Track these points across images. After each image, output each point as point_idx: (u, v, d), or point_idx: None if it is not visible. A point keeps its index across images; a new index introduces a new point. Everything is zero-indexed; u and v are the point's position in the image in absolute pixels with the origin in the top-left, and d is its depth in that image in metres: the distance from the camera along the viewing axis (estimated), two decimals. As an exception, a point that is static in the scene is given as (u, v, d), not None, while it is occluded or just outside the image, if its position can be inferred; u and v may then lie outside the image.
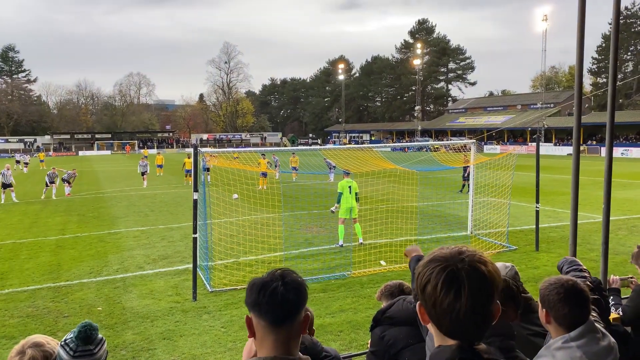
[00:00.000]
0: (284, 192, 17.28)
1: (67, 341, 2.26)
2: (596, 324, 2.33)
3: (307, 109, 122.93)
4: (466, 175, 20.09)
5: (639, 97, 76.57)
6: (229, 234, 13.07)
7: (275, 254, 11.73)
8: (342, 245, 12.50)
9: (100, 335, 2.32)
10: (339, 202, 12.69)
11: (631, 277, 4.19)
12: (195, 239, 9.30)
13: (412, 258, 3.03)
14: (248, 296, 1.79)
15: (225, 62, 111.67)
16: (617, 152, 54.30)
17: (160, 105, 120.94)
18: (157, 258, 12.02)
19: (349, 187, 12.66)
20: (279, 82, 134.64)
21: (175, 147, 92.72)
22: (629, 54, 78.32)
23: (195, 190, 9.37)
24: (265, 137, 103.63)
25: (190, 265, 9.69)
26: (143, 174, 29.49)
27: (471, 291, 1.30)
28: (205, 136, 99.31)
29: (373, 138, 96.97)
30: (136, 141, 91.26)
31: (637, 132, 61.05)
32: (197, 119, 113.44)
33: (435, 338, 1.43)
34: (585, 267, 3.37)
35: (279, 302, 1.74)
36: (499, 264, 3.13)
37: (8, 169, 23.13)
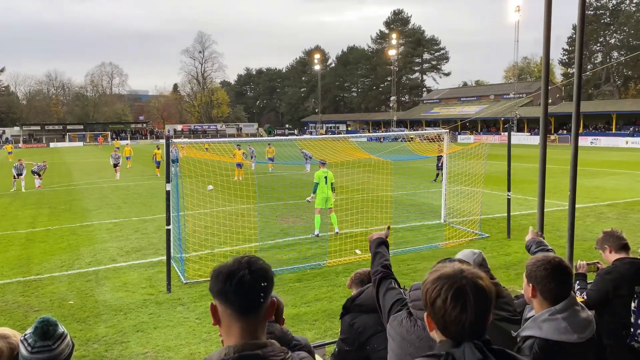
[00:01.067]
0: (259, 183, 17.19)
1: (26, 337, 2.22)
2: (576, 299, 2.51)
3: (284, 99, 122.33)
4: (440, 164, 20.33)
5: (607, 88, 78.41)
6: (203, 225, 12.96)
7: (250, 244, 11.68)
8: (318, 235, 12.51)
9: (60, 330, 2.27)
10: (315, 192, 12.74)
11: (597, 262, 4.31)
12: (168, 231, 9.20)
13: (373, 240, 3.08)
14: (213, 284, 1.76)
15: (200, 52, 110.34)
16: (587, 141, 55.60)
17: (133, 95, 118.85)
18: (130, 250, 11.85)
19: (325, 177, 12.68)
20: (254, 72, 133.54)
21: (149, 138, 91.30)
22: (598, 44, 79.96)
23: (168, 181, 9.25)
24: (241, 128, 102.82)
25: (164, 257, 9.58)
26: (115, 165, 28.99)
27: (475, 304, 1.60)
28: (179, 127, 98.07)
29: (349, 128, 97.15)
30: (109, 132, 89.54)
31: (606, 121, 62.57)
32: (171, 109, 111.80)
33: (437, 340, 1.72)
34: (551, 247, 3.45)
35: (245, 291, 1.72)
36: (466, 251, 3.18)
37: (21, 163, 22.74)
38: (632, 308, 3.67)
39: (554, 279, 2.37)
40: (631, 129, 58.67)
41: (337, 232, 12.61)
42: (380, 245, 3.02)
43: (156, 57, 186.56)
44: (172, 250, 9.46)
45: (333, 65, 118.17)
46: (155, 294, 8.78)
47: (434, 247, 11.51)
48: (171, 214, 9.30)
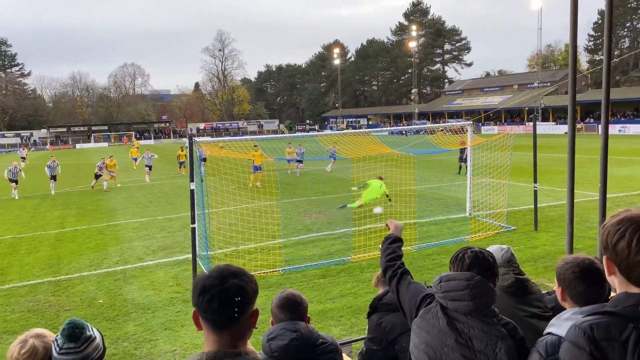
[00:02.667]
0: (281, 180, 17.26)
1: (57, 337, 2.27)
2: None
3: (304, 95, 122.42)
4: (464, 157, 20.07)
5: (635, 74, 76.21)
6: (227, 223, 13.07)
7: (274, 241, 11.74)
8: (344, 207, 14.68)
9: (88, 334, 2.30)
10: (363, 186, 15.10)
11: None
12: (193, 229, 9.29)
13: (389, 236, 3.01)
14: (192, 295, 1.79)
15: (220, 50, 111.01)
16: (615, 129, 54.22)
17: (155, 95, 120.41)
18: (156, 249, 12.02)
19: (380, 185, 14.80)
20: (274, 69, 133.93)
21: (172, 137, 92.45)
22: (626, 30, 77.82)
23: (192, 180, 9.34)
24: (262, 125, 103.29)
25: (190, 255, 9.69)
26: (148, 167, 27.35)
27: None
28: (202, 125, 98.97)
29: (370, 122, 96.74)
30: (133, 132, 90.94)
31: (635, 108, 60.92)
32: (193, 108, 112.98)
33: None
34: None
35: (216, 309, 1.73)
36: (494, 247, 3.13)
37: (16, 167, 23.07)
38: None
39: (583, 281, 2.29)
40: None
41: (360, 205, 14.43)
42: (397, 241, 2.96)
43: (177, 57, 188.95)
44: (197, 248, 9.56)
45: (352, 59, 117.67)
46: (182, 292, 8.88)
47: (461, 240, 11.38)
48: (196, 212, 9.40)
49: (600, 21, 78.72)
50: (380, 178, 15.16)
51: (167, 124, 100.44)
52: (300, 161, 25.68)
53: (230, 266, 1.82)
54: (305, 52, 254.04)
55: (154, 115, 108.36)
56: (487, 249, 3.17)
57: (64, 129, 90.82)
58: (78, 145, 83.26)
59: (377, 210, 14.10)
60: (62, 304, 8.56)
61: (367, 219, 13.02)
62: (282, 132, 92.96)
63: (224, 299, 1.71)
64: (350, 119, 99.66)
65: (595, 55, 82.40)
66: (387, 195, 14.89)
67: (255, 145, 25.40)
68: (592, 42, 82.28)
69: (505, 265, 3.01)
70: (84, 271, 10.46)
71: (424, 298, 2.56)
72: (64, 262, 11.26)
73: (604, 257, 1.65)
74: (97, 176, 24.26)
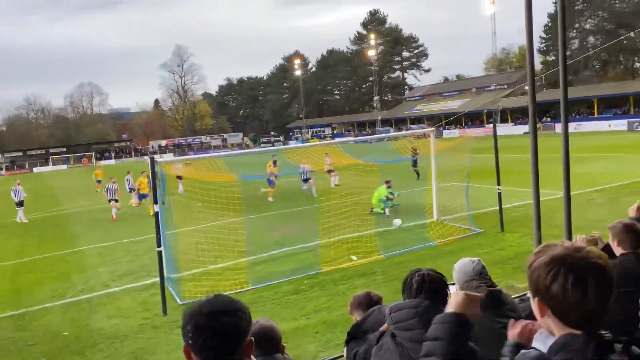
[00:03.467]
0: (246, 194, 17.12)
1: None
2: None
3: (267, 106, 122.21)
4: (414, 164, 20.84)
5: (586, 73, 79.32)
6: (194, 242, 12.80)
7: (245, 258, 11.56)
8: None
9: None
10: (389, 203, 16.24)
11: (596, 236, 4.21)
12: (160, 252, 9.06)
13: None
14: (183, 331, 1.73)
15: (179, 65, 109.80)
16: (571, 127, 55.65)
17: (114, 114, 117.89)
18: (122, 274, 11.67)
19: (377, 193, 16.11)
20: (235, 82, 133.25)
21: (133, 155, 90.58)
22: (574, 31, 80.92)
23: (156, 202, 9.12)
24: (226, 139, 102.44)
25: (158, 279, 9.44)
26: (131, 190, 22.77)
27: (598, 288, 1.43)
28: (164, 142, 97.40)
29: (335, 131, 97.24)
30: (93, 153, 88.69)
31: (587, 106, 63.34)
32: (154, 125, 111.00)
33: (556, 329, 1.52)
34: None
35: (210, 347, 1.68)
36: (464, 260, 3.14)
37: (19, 184, 21.81)
38: None
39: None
40: (613, 112, 59.52)
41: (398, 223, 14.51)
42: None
43: (135, 74, 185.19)
44: (165, 271, 9.32)
45: (314, 69, 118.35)
46: (151, 318, 8.63)
47: (431, 245, 11.49)
48: (162, 234, 9.17)
49: (550, 24, 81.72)
50: (388, 182, 16.38)
51: (128, 143, 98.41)
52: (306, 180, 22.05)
53: (220, 299, 1.77)
54: (266, 63, 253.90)
55: (114, 135, 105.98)
56: (457, 264, 3.18)
57: (20, 153, 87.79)
58: (35, 169, 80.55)
59: (397, 222, 14.17)
60: (25, 339, 8.18)
61: (336, 230, 12.99)
62: (247, 146, 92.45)
63: (219, 339, 1.67)
64: (315, 129, 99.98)
65: (547, 57, 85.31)
66: (390, 199, 16.21)
67: (273, 156, 22.59)
68: (544, 44, 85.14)
69: (477, 277, 3.02)
70: (47, 302, 10.04)
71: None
72: (24, 294, 10.78)
73: (535, 299, 1.53)
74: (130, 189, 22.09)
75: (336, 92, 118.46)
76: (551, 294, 1.46)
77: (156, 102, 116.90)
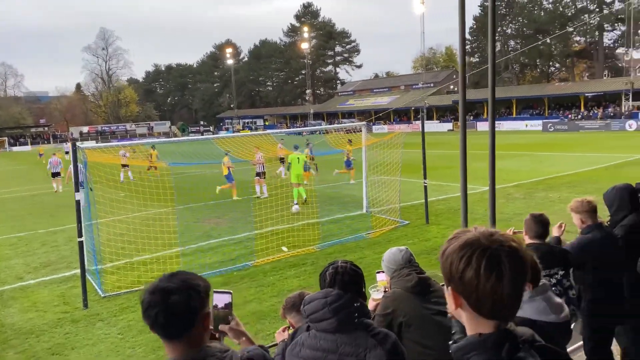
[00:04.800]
0: (177, 185, 16.61)
1: None
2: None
3: (196, 95, 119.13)
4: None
5: (506, 75, 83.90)
6: (118, 233, 12.27)
7: (171, 250, 11.23)
8: (297, 204, 15.02)
9: None
10: (288, 169, 16.20)
11: (513, 230, 4.50)
12: (81, 243, 8.60)
13: None
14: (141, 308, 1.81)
15: (103, 49, 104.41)
16: (491, 126, 59.19)
17: (31, 97, 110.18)
18: (38, 266, 10.97)
19: (298, 158, 15.93)
20: (163, 68, 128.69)
21: (52, 141, 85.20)
22: (497, 35, 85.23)
23: (77, 190, 8.64)
24: (153, 127, 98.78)
25: (78, 271, 8.96)
26: (55, 175, 23.63)
27: (512, 272, 1.35)
28: (85, 129, 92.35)
29: (267, 123, 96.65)
30: (6, 138, 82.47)
31: (507, 106, 67.03)
32: (75, 110, 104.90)
33: (469, 322, 1.44)
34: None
35: (163, 324, 1.75)
36: (392, 250, 3.23)
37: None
38: None
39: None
40: (529, 112, 63.43)
41: (305, 200, 15.62)
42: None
43: (56, 56, 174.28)
44: (86, 263, 8.87)
45: (246, 59, 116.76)
46: (71, 312, 8.18)
47: (360, 237, 11.71)
48: (83, 224, 8.70)
49: (475, 26, 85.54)
50: (296, 147, 16.72)
51: (46, 128, 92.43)
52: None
53: (176, 276, 1.81)
54: (196, 51, 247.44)
55: (30, 119, 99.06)
56: (385, 253, 3.26)
57: None
58: (-62, 154, 73.74)
59: (295, 208, 14.66)
60: None
61: (268, 222, 12.93)
62: (175, 134, 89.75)
63: (168, 316, 1.73)
64: (247, 120, 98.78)
65: (472, 58, 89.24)
66: (314, 164, 16.15)
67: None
68: (469, 46, 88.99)
69: (407, 265, 3.11)
70: (-49, 297, 9.24)
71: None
72: None
73: (449, 288, 1.44)
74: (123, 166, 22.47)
75: (269, 83, 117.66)
76: (464, 281, 1.37)
77: (78, 86, 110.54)
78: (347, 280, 2.32)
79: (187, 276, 1.84)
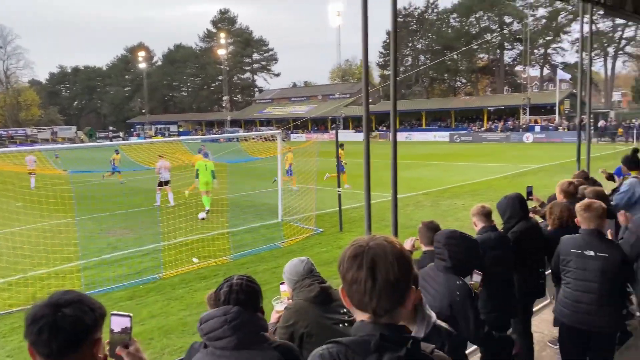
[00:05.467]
0: (77, 193, 15.56)
1: None
2: None
3: (105, 99, 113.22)
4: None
5: (417, 88, 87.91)
6: (11, 247, 11.27)
7: (71, 263, 10.49)
8: (204, 217, 14.69)
9: None
10: (197, 177, 15.95)
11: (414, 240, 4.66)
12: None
13: None
14: (24, 325, 1.65)
15: (0, 47, 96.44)
16: (402, 136, 61.56)
17: None
18: None
19: (205, 165, 15.78)
20: (69, 70, 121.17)
21: (-63, 146, 77.08)
22: (408, 49, 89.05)
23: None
24: (57, 132, 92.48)
25: (-40, 290, 8.09)
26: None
27: (372, 264, 1.46)
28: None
29: (181, 129, 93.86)
30: None
31: (417, 118, 70.24)
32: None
33: (354, 313, 1.56)
34: None
35: (45, 341, 1.58)
36: (294, 261, 3.22)
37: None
38: None
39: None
40: (437, 124, 66.96)
41: (208, 211, 15.05)
42: None
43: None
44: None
45: (159, 63, 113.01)
46: (-52, 336, 7.36)
47: (274, 246, 11.64)
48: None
49: (388, 40, 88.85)
50: (206, 155, 17.11)
51: None
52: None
53: (69, 293, 1.69)
54: (106, 54, 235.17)
55: None
56: (287, 264, 3.25)
57: None
58: None
59: (201, 215, 14.64)
60: None
61: (177, 232, 12.48)
62: (81, 140, 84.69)
63: (54, 330, 1.57)
64: (160, 126, 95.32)
65: (385, 71, 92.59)
66: (212, 172, 15.86)
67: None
68: (382, 59, 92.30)
69: (308, 275, 3.10)
70: None
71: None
72: None
73: (340, 287, 1.60)
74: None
75: (183, 88, 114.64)
76: (348, 281, 1.51)
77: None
78: (243, 298, 2.26)
79: (84, 295, 1.73)
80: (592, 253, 4.12)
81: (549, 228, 5.10)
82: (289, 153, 19.88)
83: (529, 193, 6.34)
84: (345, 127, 72.25)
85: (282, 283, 3.29)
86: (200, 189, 15.84)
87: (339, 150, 20.00)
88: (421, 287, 3.39)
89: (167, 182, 17.33)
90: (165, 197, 17.26)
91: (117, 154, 24.73)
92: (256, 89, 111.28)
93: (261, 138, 19.82)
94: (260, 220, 14.58)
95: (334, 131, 14.29)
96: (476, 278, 3.63)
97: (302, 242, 12.03)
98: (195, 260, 10.54)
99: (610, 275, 4.08)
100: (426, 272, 3.43)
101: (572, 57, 73.57)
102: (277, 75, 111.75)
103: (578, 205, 4.35)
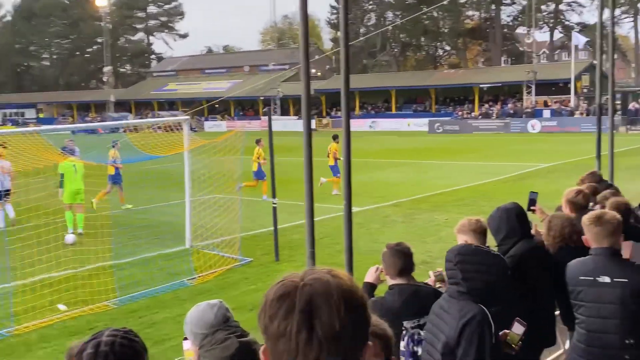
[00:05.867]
0: None
1: None
2: None
3: None
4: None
5: (384, 57, 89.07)
6: None
7: None
8: (72, 241, 14.62)
9: None
10: (62, 186, 15.52)
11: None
12: None
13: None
14: None
15: None
16: (364, 124, 62.41)
17: None
18: None
19: (74, 166, 15.54)
20: None
21: None
22: (371, 2, 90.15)
23: None
24: None
25: None
26: None
27: (307, 307, 1.42)
28: None
29: (42, 115, 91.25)
30: None
31: (385, 99, 71.09)
32: None
33: None
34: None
35: None
36: (201, 305, 3.21)
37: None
38: (401, 348, 4.11)
39: None
40: (413, 108, 68.01)
41: (80, 233, 15.31)
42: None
43: None
44: None
45: (9, 18, 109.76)
46: None
47: (181, 285, 11.50)
48: None
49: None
50: (72, 152, 16.97)
51: None
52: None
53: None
54: None
55: None
56: (192, 310, 3.22)
57: None
58: None
59: (69, 238, 14.69)
60: None
61: (36, 267, 12.07)
62: None
63: None
64: (10, 110, 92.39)
65: (339, 32, 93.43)
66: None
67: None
68: (336, 16, 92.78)
69: (222, 327, 3.10)
70: None
71: None
72: None
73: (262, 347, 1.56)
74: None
75: (46, 55, 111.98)
76: (272, 335, 1.47)
77: None
78: None
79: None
80: (607, 279, 4.28)
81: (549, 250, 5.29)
82: (259, 147, 20.22)
83: (532, 202, 6.49)
84: (285, 112, 72.56)
85: (185, 339, 3.27)
86: (66, 202, 15.60)
87: (333, 144, 20.93)
88: (432, 326, 3.47)
89: (7, 193, 16.89)
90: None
91: None
92: (153, 57, 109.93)
93: (160, 127, 19.52)
94: (160, 247, 14.36)
95: (267, 117, 14.33)
96: (517, 329, 3.71)
97: (222, 277, 11.96)
98: (62, 307, 10.28)
99: (633, 307, 4.24)
100: (439, 304, 3.53)
101: (592, 16, 76.55)
102: (184, 36, 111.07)
103: (585, 219, 4.51)
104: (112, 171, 19.62)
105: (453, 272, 3.45)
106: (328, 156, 21.26)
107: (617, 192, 7.23)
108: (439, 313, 3.54)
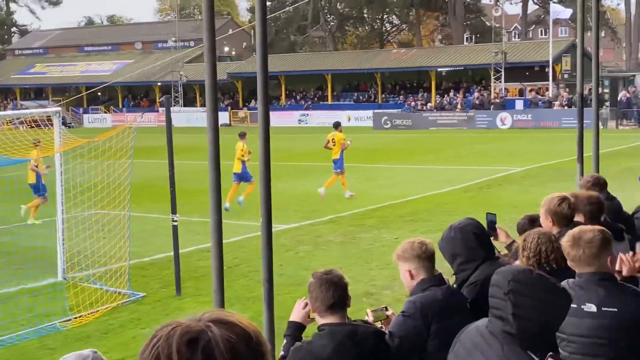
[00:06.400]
0: None
1: None
2: None
3: None
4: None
5: (317, 33, 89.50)
6: None
7: None
8: None
9: None
10: None
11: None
12: None
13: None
14: None
15: None
16: (293, 117, 62.55)
17: None
18: None
19: None
20: None
21: None
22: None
23: None
24: None
25: None
26: None
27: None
28: None
29: None
30: None
31: (318, 86, 71.28)
32: None
33: None
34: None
35: None
36: (70, 357, 3.14)
37: None
38: None
39: None
40: (353, 97, 68.39)
41: None
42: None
43: None
44: None
45: None
46: None
47: (51, 330, 11.27)
48: None
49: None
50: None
51: None
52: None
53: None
54: None
55: None
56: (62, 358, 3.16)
57: None
58: None
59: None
60: None
61: None
62: None
63: None
64: None
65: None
66: None
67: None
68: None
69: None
70: None
71: None
72: None
73: None
74: None
75: None
76: None
77: None
78: None
79: None
80: (593, 308, 4.35)
81: None
82: (242, 143, 20.50)
83: (491, 224, 6.40)
84: (189, 102, 71.99)
85: None
86: None
87: (336, 132, 22.72)
88: None
89: None
90: None
91: None
92: (15, 30, 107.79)
93: (23, 122, 19.13)
94: (24, 280, 14.04)
95: (165, 109, 14.22)
96: None
97: (105, 318, 11.77)
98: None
99: (625, 342, 4.32)
100: (471, 339, 3.39)
101: (573, -16, 78.64)
102: (56, 3, 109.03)
103: (564, 241, 4.58)
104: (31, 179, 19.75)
105: (500, 302, 3.17)
106: (327, 146, 23.83)
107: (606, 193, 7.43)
108: (473, 350, 3.34)
